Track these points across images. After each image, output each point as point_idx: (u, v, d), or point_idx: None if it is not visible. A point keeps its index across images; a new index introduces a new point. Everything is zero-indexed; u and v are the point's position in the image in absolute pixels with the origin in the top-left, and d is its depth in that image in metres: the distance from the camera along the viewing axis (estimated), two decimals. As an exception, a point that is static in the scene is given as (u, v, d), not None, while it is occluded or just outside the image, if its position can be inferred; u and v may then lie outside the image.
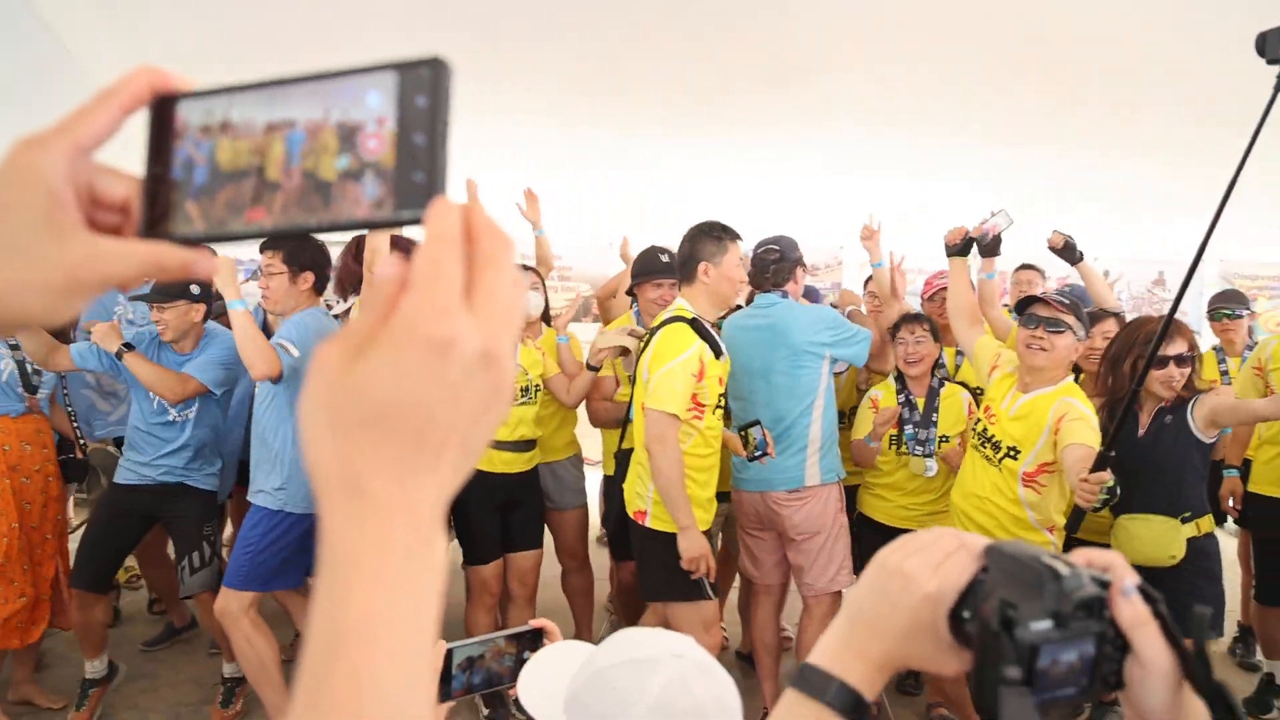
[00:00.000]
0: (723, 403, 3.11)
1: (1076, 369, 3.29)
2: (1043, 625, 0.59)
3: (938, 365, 3.58)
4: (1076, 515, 2.67)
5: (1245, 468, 3.98)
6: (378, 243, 2.91)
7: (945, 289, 3.63)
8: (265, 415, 3.20)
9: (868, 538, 3.55)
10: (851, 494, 3.70)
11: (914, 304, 4.18)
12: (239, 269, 5.19)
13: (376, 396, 0.39)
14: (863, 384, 3.96)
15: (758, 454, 3.16)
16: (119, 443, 3.74)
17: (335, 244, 3.42)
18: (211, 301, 3.51)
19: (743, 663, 4.06)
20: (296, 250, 3.22)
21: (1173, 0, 4.01)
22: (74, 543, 3.58)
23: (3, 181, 0.44)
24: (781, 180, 6.55)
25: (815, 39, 4.52)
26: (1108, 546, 2.92)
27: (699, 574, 2.94)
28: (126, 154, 0.49)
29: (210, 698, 3.59)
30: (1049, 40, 4.40)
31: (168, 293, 3.33)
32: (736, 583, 4.07)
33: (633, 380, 3.35)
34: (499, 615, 3.64)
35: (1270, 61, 2.22)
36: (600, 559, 4.25)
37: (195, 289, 3.38)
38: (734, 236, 3.09)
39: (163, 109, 0.47)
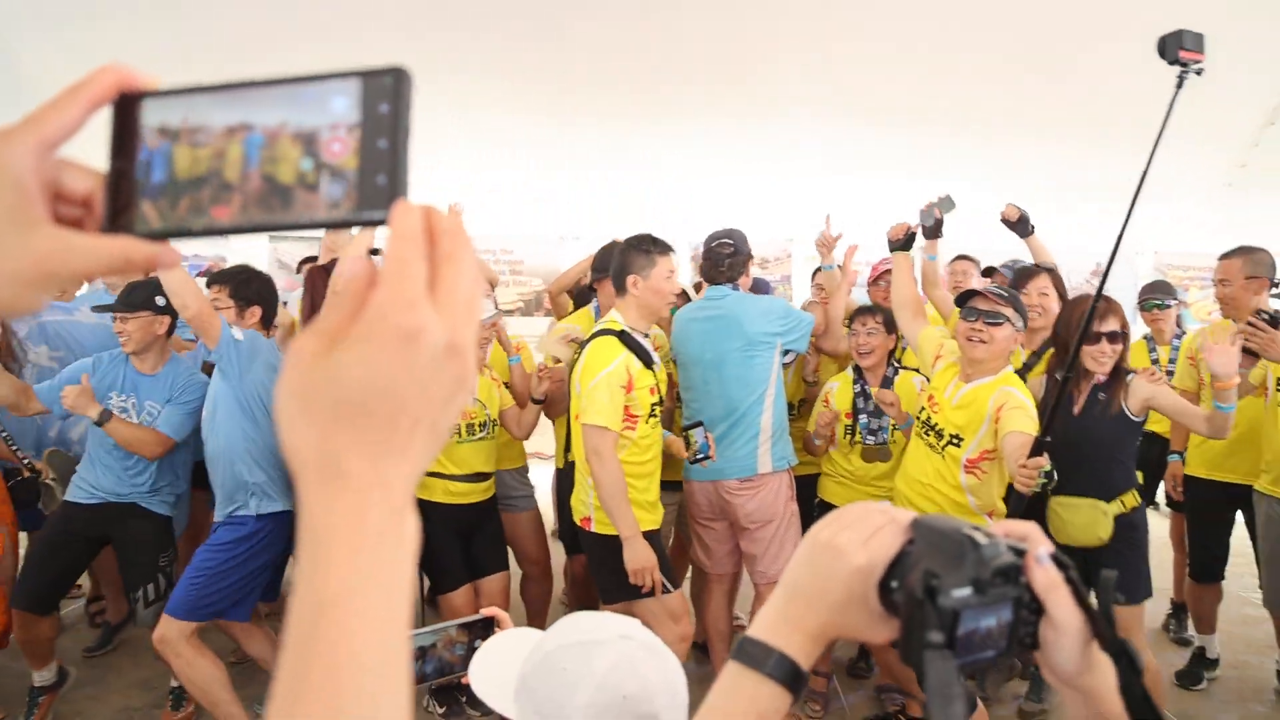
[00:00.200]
0: (657, 411, 3.15)
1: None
2: (963, 592, 0.62)
3: (893, 355, 3.66)
4: (1016, 500, 2.75)
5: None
6: (343, 241, 2.92)
7: (888, 274, 3.77)
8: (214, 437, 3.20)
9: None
10: (808, 482, 3.76)
11: (862, 295, 4.27)
12: (186, 265, 5.09)
13: (351, 385, 0.42)
14: (808, 375, 4.02)
15: (700, 456, 3.22)
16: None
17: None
18: (176, 315, 3.43)
19: (696, 651, 4.10)
20: (243, 285, 3.25)
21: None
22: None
23: None
24: (731, 174, 6.61)
25: (765, 30, 4.58)
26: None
27: (645, 587, 2.98)
28: (87, 149, 0.49)
29: (160, 701, 3.52)
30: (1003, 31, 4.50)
31: (131, 304, 3.27)
32: (690, 573, 4.11)
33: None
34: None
35: (1171, 63, 2.36)
36: (554, 552, 4.26)
37: (160, 300, 3.30)
38: (664, 250, 3.14)
39: (127, 106, 0.48)
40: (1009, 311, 2.94)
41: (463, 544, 3.47)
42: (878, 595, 0.68)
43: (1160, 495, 4.59)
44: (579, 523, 3.18)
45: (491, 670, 1.26)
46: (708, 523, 3.50)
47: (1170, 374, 4.24)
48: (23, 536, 3.67)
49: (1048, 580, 0.65)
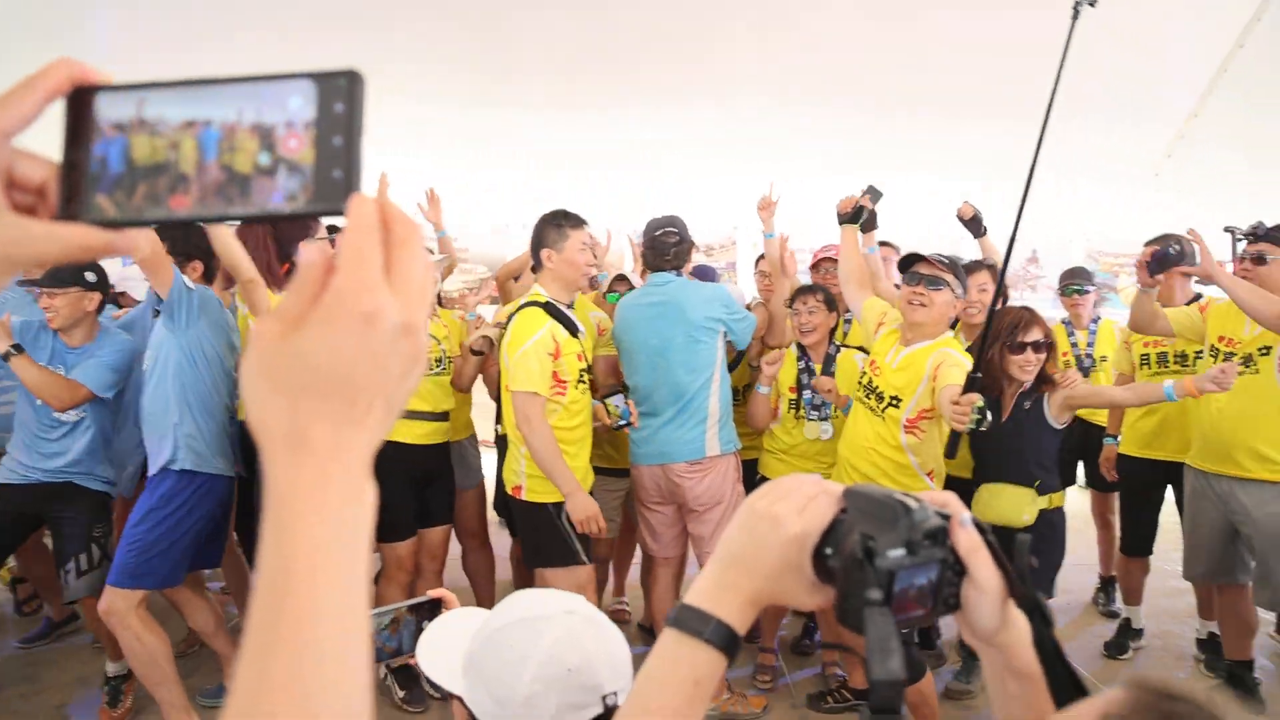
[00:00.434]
0: (585, 378, 3.24)
1: (955, 322, 3.47)
2: (898, 553, 0.66)
3: (834, 333, 3.73)
4: (953, 441, 2.75)
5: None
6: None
7: (829, 258, 3.90)
8: (155, 395, 3.13)
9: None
10: (750, 466, 3.81)
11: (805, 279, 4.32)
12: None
13: (313, 364, 0.45)
14: (754, 360, 4.07)
15: (621, 423, 3.30)
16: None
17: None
18: (107, 291, 3.38)
19: (645, 634, 4.16)
20: (180, 240, 3.18)
21: None
22: None
23: None
24: (678, 159, 6.61)
25: (705, 12, 4.61)
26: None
27: (593, 534, 3.12)
28: (41, 139, 0.50)
29: (98, 698, 3.44)
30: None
31: (60, 278, 3.19)
32: (638, 558, 4.16)
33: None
34: (410, 593, 3.63)
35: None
36: (502, 540, 4.27)
37: (91, 276, 3.24)
38: (576, 224, 3.23)
39: (83, 100, 0.48)
40: (949, 277, 3.03)
41: (416, 492, 3.57)
42: (811, 563, 0.71)
43: (1079, 474, 4.77)
44: (510, 492, 3.27)
45: (440, 649, 1.27)
46: (655, 507, 3.54)
47: (1089, 357, 4.41)
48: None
49: (970, 542, 0.69)
